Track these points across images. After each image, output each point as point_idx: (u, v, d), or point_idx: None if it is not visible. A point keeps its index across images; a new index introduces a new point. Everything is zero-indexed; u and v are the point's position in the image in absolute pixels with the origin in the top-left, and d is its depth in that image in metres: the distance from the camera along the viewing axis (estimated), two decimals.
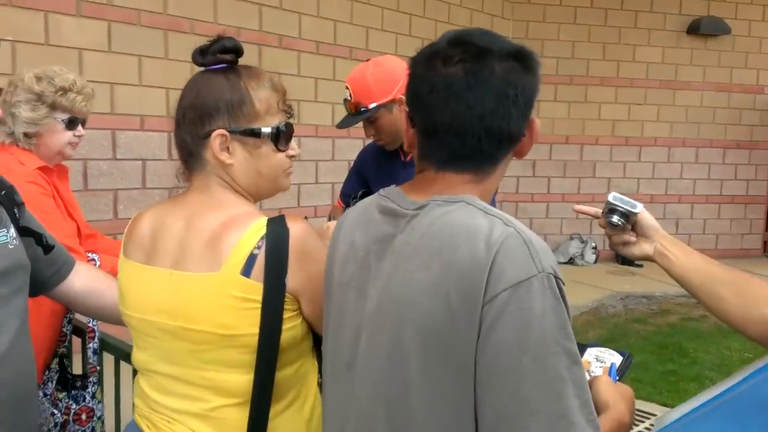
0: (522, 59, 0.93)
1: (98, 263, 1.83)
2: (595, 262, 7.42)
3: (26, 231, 1.30)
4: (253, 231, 1.07)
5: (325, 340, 1.07)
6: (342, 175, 4.86)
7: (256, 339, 1.06)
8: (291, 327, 1.10)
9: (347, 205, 2.46)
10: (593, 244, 7.46)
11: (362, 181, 2.44)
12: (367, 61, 2.15)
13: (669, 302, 5.83)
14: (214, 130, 1.11)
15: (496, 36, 0.94)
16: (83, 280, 1.49)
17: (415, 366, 0.86)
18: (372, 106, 2.03)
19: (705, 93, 7.65)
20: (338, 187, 5.68)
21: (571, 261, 7.35)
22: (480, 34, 0.94)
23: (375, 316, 0.93)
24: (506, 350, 0.80)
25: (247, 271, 1.05)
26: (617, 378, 1.06)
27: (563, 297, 0.82)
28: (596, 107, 7.39)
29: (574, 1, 7.25)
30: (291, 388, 1.15)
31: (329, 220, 2.57)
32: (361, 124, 2.14)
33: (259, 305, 1.05)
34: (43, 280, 1.41)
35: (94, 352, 1.83)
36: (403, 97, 2.00)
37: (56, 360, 1.80)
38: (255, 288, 1.05)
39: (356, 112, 2.07)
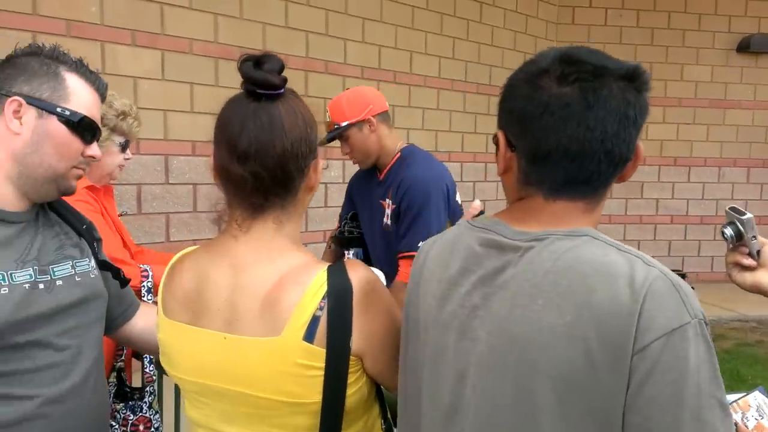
0: (636, 79, 0.88)
1: (150, 273, 1.90)
2: None
3: (104, 265, 1.33)
4: (314, 289, 0.98)
5: (405, 386, 0.99)
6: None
7: (319, 405, 0.99)
8: (356, 390, 1.02)
9: (340, 227, 2.67)
10: None
11: (352, 204, 2.66)
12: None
13: (723, 327, 5.63)
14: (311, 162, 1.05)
15: (604, 54, 0.89)
16: (144, 318, 1.49)
17: (549, 419, 0.78)
18: (344, 124, 2.33)
19: (756, 112, 7.44)
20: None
21: None
22: (589, 53, 0.88)
23: (488, 358, 0.84)
24: (662, 406, 0.73)
25: (309, 336, 0.97)
26: None
27: (712, 343, 0.77)
28: (644, 127, 7.22)
29: (620, 20, 7.19)
30: None
31: (329, 246, 2.71)
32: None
33: (322, 372, 0.98)
34: (111, 318, 1.41)
35: (150, 361, 1.87)
36: (373, 119, 2.32)
37: (114, 374, 1.85)
38: (319, 354, 0.97)
39: (331, 130, 2.36)
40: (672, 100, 7.26)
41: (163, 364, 1.14)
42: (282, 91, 1.03)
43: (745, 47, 7.24)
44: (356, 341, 0.99)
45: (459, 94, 5.99)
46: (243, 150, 1.00)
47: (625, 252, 0.82)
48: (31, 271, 1.16)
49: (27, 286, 1.14)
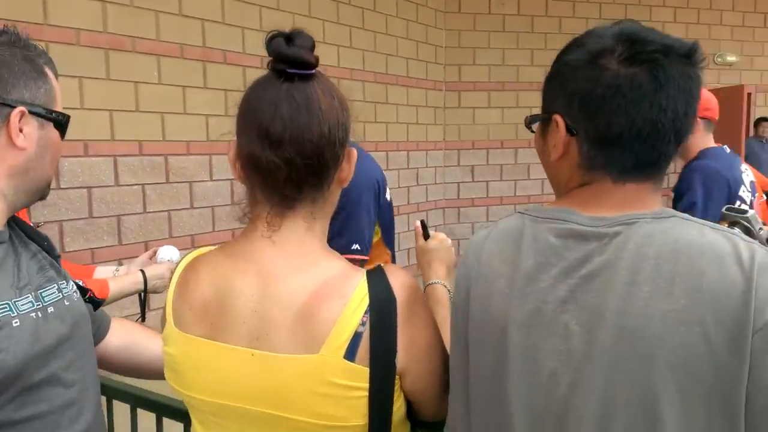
0: (694, 55, 0.84)
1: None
2: None
3: (76, 285, 1.17)
4: (355, 302, 0.88)
5: (467, 393, 0.92)
6: None
7: (363, 428, 0.90)
8: (398, 408, 0.94)
9: None
10: None
11: None
12: None
13: None
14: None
15: (660, 32, 0.85)
16: (119, 335, 1.33)
17: (669, 408, 0.75)
18: None
19: None
20: None
21: None
22: (648, 30, 0.84)
23: (588, 352, 0.79)
24: None
25: (351, 354, 0.87)
26: None
27: None
28: (528, 111, 7.49)
29: (503, 9, 7.47)
30: None
31: None
32: None
33: (366, 392, 0.88)
34: None
35: None
36: None
37: None
38: (361, 374, 0.87)
39: None
40: None
41: (170, 382, 1.00)
42: (314, 71, 0.92)
43: None
44: (401, 357, 0.90)
45: (358, 84, 5.95)
46: (277, 134, 0.88)
47: (720, 230, 0.79)
48: (31, 298, 0.99)
49: (33, 315, 0.98)
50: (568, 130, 0.87)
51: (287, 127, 0.88)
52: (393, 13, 6.51)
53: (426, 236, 1.35)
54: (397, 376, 0.91)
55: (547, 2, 7.61)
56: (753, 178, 2.68)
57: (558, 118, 0.88)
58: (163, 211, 4.47)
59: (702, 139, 2.64)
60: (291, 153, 0.88)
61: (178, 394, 1.00)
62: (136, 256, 2.06)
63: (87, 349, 1.12)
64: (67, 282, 1.12)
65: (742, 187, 2.57)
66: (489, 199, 7.70)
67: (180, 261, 1.04)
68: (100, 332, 1.30)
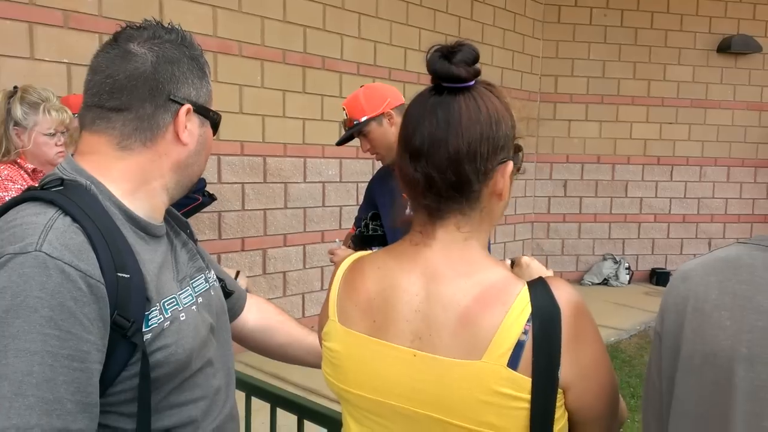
0: None
1: None
2: (629, 282, 7.32)
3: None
4: (517, 310, 0.86)
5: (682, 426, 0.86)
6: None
7: None
8: (561, 427, 0.90)
9: (359, 227, 2.63)
10: (626, 265, 7.36)
11: (371, 205, 2.61)
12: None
13: None
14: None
15: None
16: (255, 316, 1.39)
17: None
18: (363, 119, 2.30)
19: (736, 112, 7.60)
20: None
21: (605, 282, 7.25)
22: None
23: None
24: None
25: (514, 363, 0.85)
26: None
27: None
28: (627, 126, 7.34)
29: (604, 20, 7.25)
30: None
31: (348, 247, 2.65)
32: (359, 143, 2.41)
33: (528, 404, 0.85)
34: None
35: None
36: (392, 112, 2.28)
37: None
38: (524, 383, 0.85)
39: (351, 127, 2.34)
40: (655, 99, 7.36)
41: (328, 377, 1.02)
42: (471, 83, 0.91)
43: (725, 48, 7.37)
44: (564, 372, 0.86)
45: None
46: (415, 148, 0.91)
47: None
48: (189, 291, 1.04)
49: (193, 308, 1.02)
50: None
51: (425, 142, 0.90)
52: (490, 23, 6.46)
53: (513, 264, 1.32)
54: (560, 391, 0.88)
55: (652, 15, 7.31)
56: None
57: None
58: (259, 209, 4.63)
59: None
60: (427, 168, 0.90)
61: (335, 390, 1.02)
62: (234, 252, 2.14)
63: (226, 336, 1.16)
64: (210, 270, 1.16)
65: None
66: (582, 216, 7.45)
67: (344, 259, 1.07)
68: (235, 309, 1.34)
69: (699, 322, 0.83)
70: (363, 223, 2.61)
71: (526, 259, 1.17)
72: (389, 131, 2.31)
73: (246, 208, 4.54)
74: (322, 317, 1.04)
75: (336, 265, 1.08)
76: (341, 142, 2.50)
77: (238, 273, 1.53)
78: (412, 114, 0.93)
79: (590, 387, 0.90)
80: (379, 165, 2.64)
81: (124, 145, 0.97)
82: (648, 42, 7.33)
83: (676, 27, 7.37)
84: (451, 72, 0.89)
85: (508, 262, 1.26)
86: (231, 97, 4.31)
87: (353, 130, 2.33)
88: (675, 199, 7.60)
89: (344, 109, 2.36)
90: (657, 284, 7.28)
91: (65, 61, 3.47)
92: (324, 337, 1.03)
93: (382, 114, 2.30)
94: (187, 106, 1.00)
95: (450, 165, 0.89)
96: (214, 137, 1.10)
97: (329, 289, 1.04)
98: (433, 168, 0.90)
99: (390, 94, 2.36)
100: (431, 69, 0.91)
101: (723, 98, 7.54)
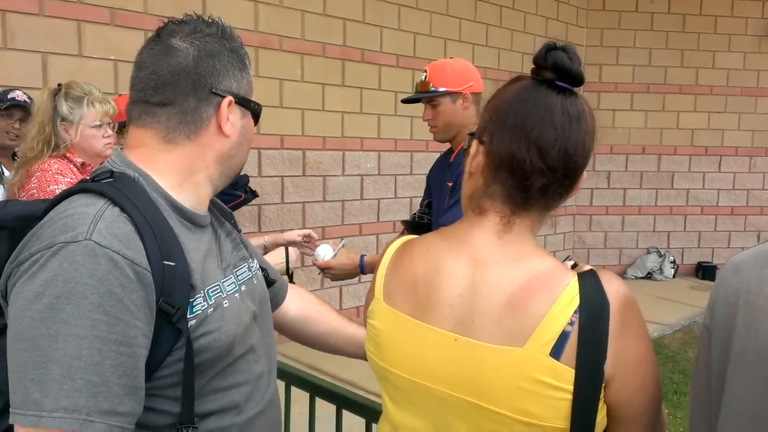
0: None
1: None
2: (674, 276, 7.15)
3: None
4: (565, 300, 0.86)
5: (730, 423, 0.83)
6: (420, 189, 4.80)
7: None
8: (602, 418, 0.89)
9: (416, 214, 2.60)
10: (671, 258, 7.18)
11: (429, 193, 2.57)
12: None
13: None
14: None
15: None
16: (296, 305, 1.41)
17: None
18: (442, 89, 2.24)
19: None
20: (416, 201, 5.64)
21: (649, 276, 7.09)
22: None
23: None
24: None
25: (557, 353, 0.84)
26: None
27: None
28: (674, 116, 7.14)
29: (651, 6, 7.05)
30: None
31: (402, 232, 2.61)
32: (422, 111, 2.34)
33: (570, 395, 0.85)
34: None
35: None
36: (469, 94, 2.23)
37: None
38: (566, 374, 0.84)
39: (425, 91, 2.27)
40: (704, 88, 7.13)
41: (370, 354, 1.04)
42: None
43: None
44: (609, 364, 0.86)
45: (491, 83, 5.87)
46: (547, 142, 0.91)
47: None
48: (233, 279, 1.06)
49: (236, 296, 1.04)
50: None
51: (558, 138, 0.91)
52: (532, 11, 6.36)
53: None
54: (603, 386, 0.87)
55: (701, 0, 7.08)
56: None
57: None
58: (298, 202, 4.68)
59: None
60: (556, 162, 0.91)
61: (375, 367, 1.04)
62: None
63: (268, 324, 1.19)
64: (253, 259, 1.19)
65: None
66: (626, 208, 7.30)
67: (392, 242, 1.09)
68: (277, 298, 1.36)
69: (752, 316, 0.80)
70: (417, 211, 2.61)
71: (588, 267, 1.17)
72: (459, 112, 2.26)
73: (285, 201, 4.60)
74: (369, 295, 1.07)
75: (386, 245, 1.10)
76: (408, 101, 2.41)
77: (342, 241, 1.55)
78: (538, 105, 0.92)
79: (631, 381, 0.89)
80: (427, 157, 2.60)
81: (169, 138, 1.00)
82: (696, 28, 7.10)
83: (726, 12, 7.12)
84: (581, 74, 0.93)
85: (569, 264, 1.25)
86: (271, 91, 4.35)
87: (427, 95, 2.27)
88: (723, 190, 7.37)
89: (425, 71, 2.30)
90: (703, 278, 7.09)
91: (112, 58, 3.56)
92: (369, 315, 1.05)
93: (461, 93, 2.24)
94: (229, 98, 1.01)
95: (574, 163, 0.93)
96: (255, 130, 1.12)
97: (377, 268, 1.06)
98: (562, 164, 0.92)
99: (475, 78, 2.31)
100: (563, 68, 0.92)
101: None
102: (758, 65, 7.19)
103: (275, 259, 1.98)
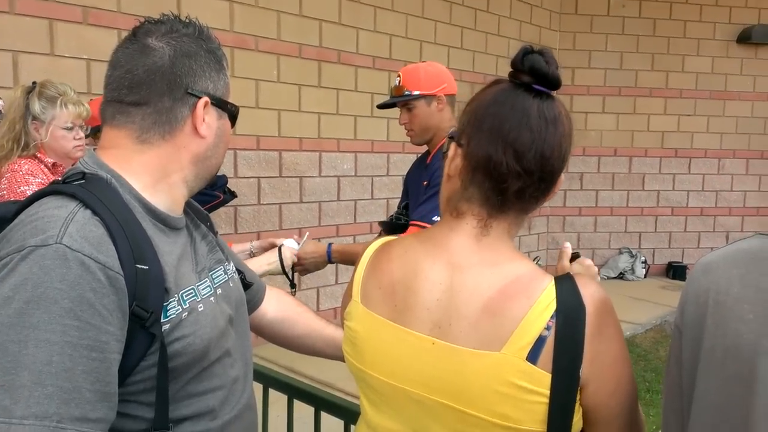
0: None
1: None
2: (645, 276, 7.27)
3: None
4: (542, 305, 0.87)
5: (704, 428, 0.84)
6: (397, 190, 4.80)
7: None
8: (576, 420, 0.90)
9: (392, 216, 2.59)
10: (643, 258, 7.31)
11: (405, 194, 2.59)
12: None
13: None
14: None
15: None
16: (274, 307, 1.41)
17: None
18: (416, 93, 2.27)
19: (755, 103, 7.48)
20: (393, 202, 5.64)
21: (621, 276, 7.21)
22: None
23: None
24: None
25: (533, 357, 0.85)
26: None
27: None
28: (645, 119, 7.27)
29: (622, 11, 7.17)
30: None
31: (380, 233, 2.62)
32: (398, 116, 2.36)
33: (546, 399, 0.86)
34: None
35: None
36: (444, 96, 2.26)
37: None
38: (542, 378, 0.85)
39: (400, 95, 2.29)
40: (673, 91, 7.28)
41: (348, 356, 1.04)
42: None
43: (745, 38, 7.26)
44: (585, 369, 0.87)
45: (467, 85, 5.92)
46: (524, 145, 0.91)
47: None
48: (208, 282, 1.05)
49: (211, 299, 1.03)
50: None
51: (535, 141, 0.91)
52: (506, 15, 6.42)
53: (573, 258, 1.31)
54: (579, 388, 0.89)
55: (671, 5, 7.22)
56: None
57: None
58: (275, 203, 4.66)
59: None
60: (533, 165, 0.92)
61: (353, 369, 1.03)
62: None
63: (245, 327, 1.18)
64: (229, 262, 1.17)
65: None
66: (598, 209, 7.40)
67: (372, 243, 1.08)
68: (255, 300, 1.35)
69: (721, 315, 0.82)
70: (394, 212, 2.63)
71: (589, 262, 1.19)
72: (434, 114, 2.28)
73: (262, 202, 4.58)
74: (346, 296, 1.07)
75: (363, 246, 1.10)
76: (383, 106, 2.43)
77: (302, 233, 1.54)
78: (515, 108, 0.93)
79: (607, 384, 0.90)
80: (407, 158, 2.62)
81: (143, 138, 0.98)
82: (666, 33, 7.24)
83: (695, 17, 7.28)
84: (558, 78, 0.93)
85: (570, 251, 1.27)
86: (247, 91, 4.33)
87: (401, 100, 2.29)
88: (693, 192, 7.52)
89: (399, 76, 2.33)
90: (673, 278, 7.23)
91: (85, 57, 3.51)
92: (346, 317, 1.05)
93: (435, 96, 2.27)
94: (205, 99, 1.01)
95: (552, 168, 0.94)
96: (231, 132, 1.11)
97: (355, 270, 1.06)
98: (538, 167, 0.92)
99: (448, 80, 2.34)
100: (540, 71, 0.92)
101: (742, 89, 7.43)
102: (726, 69, 7.36)
103: (269, 259, 1.96)
